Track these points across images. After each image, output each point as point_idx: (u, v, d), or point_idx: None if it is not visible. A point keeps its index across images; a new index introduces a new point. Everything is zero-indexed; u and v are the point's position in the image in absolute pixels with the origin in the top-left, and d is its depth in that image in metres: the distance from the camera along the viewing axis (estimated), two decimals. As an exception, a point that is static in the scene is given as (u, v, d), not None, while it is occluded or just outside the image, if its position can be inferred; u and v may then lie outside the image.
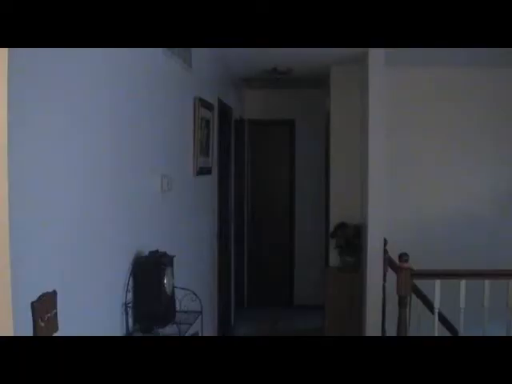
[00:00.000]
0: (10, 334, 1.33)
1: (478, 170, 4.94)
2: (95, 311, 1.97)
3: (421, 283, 3.68)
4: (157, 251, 2.39)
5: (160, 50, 2.75)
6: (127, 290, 2.23)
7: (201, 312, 2.59)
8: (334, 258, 4.98)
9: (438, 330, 3.45)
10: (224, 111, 4.86)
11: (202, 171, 3.80)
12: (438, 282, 3.38)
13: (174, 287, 2.41)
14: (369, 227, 4.24)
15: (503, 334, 3.44)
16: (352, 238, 4.75)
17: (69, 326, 1.65)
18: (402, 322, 3.39)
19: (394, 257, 3.64)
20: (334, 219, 4.98)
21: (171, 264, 2.41)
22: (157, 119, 2.75)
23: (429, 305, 3.70)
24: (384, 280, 4.14)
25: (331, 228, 4.99)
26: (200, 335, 2.66)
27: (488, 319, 3.40)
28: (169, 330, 2.30)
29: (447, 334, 4.06)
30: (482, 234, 4.80)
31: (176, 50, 3.02)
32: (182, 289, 2.56)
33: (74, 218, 1.79)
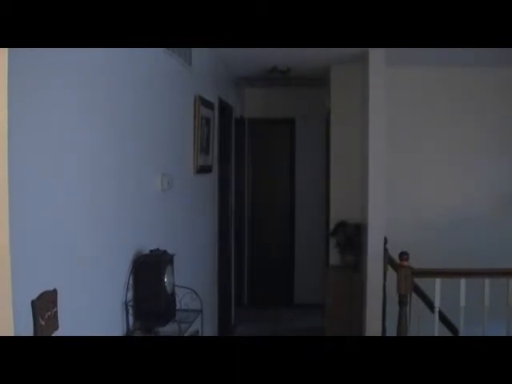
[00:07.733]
0: (11, 332, 1.34)
1: (478, 170, 4.94)
2: (96, 309, 1.97)
3: (421, 282, 3.68)
4: (157, 249, 2.39)
5: (160, 49, 2.75)
6: (127, 289, 2.24)
7: (201, 310, 2.59)
8: (334, 257, 4.98)
9: (438, 329, 3.45)
10: (224, 110, 4.86)
11: (203, 170, 3.81)
12: (438, 281, 3.38)
13: (174, 285, 2.41)
14: (369, 226, 4.24)
15: (503, 332, 3.44)
16: (352, 237, 4.75)
17: (69, 324, 1.65)
18: (402, 320, 3.39)
19: (394, 255, 3.64)
20: (334, 218, 4.98)
21: (171, 262, 2.41)
22: (157, 118, 2.75)
23: (429, 303, 3.70)
24: (384, 279, 4.14)
25: (331, 227, 4.99)
26: (200, 334, 2.66)
27: (488, 318, 3.40)
28: (169, 329, 2.31)
29: (447, 332, 4.06)
30: (482, 233, 4.79)
31: (176, 49, 3.02)
32: (183, 287, 2.56)
33: (74, 216, 1.80)
